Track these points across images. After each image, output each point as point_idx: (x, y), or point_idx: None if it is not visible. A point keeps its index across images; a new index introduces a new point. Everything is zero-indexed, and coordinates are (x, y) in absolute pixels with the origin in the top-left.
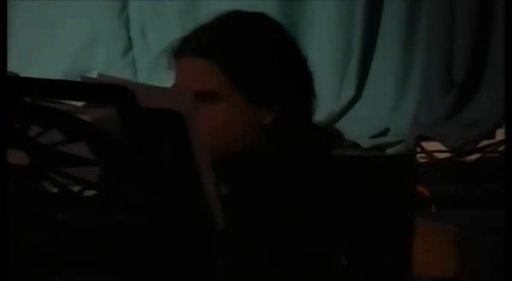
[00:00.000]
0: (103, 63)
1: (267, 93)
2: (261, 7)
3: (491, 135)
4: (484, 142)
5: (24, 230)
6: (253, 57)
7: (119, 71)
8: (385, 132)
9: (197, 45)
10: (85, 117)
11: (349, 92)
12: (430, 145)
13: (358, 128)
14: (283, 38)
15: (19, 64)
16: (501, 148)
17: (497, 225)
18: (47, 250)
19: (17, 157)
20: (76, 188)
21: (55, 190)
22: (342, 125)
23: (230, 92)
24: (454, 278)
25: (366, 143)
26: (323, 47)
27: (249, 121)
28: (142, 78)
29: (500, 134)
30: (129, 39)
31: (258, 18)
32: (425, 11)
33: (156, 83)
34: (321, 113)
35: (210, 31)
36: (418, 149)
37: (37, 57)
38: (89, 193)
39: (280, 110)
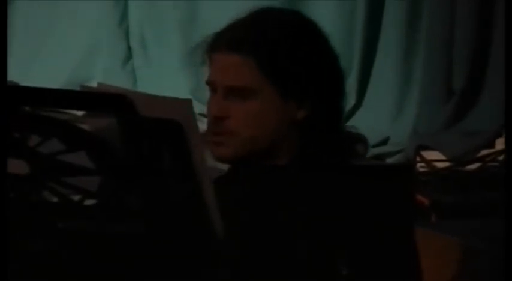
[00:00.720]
0: (103, 73)
1: (300, 89)
2: None
3: (491, 144)
4: (484, 151)
5: (24, 239)
6: (287, 53)
7: (119, 81)
8: (385, 142)
9: (231, 39)
10: (85, 126)
11: (349, 101)
12: (430, 154)
13: None
14: (317, 35)
15: (19, 74)
16: (501, 157)
17: (497, 234)
18: (47, 259)
19: (17, 166)
20: (76, 198)
21: (55, 199)
22: None
23: (264, 87)
24: None
25: None
26: None
27: (282, 116)
28: (142, 87)
29: (500, 144)
30: (129, 48)
31: (293, 15)
32: (425, 20)
33: (156, 93)
34: None
35: (244, 26)
36: (418, 159)
37: (37, 67)
38: (89, 202)
39: (311, 107)
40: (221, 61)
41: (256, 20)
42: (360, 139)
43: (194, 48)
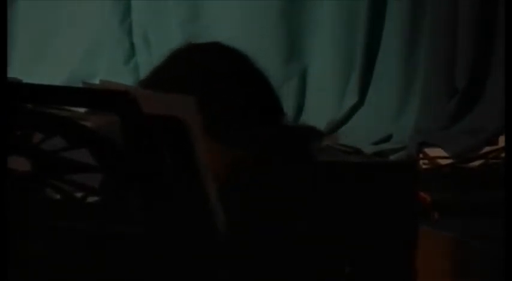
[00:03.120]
0: (105, 70)
1: (230, 133)
2: (263, 18)
3: (494, 141)
4: (487, 149)
5: (24, 239)
6: (210, 104)
7: (122, 78)
8: (387, 139)
9: None
10: (87, 123)
11: (351, 99)
12: (433, 152)
13: (361, 135)
14: (237, 68)
15: (21, 71)
16: (504, 155)
17: (497, 234)
18: (47, 257)
19: (19, 163)
20: (78, 195)
21: (57, 196)
22: (344, 131)
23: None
24: None
25: (368, 149)
26: (326, 54)
27: (225, 161)
28: None
29: (503, 141)
30: (132, 46)
31: (211, 54)
32: (428, 17)
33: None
34: (324, 119)
35: (165, 81)
36: (421, 156)
37: (39, 64)
38: (92, 199)
39: (248, 141)
40: None
41: (176, 71)
42: (314, 131)
43: None
